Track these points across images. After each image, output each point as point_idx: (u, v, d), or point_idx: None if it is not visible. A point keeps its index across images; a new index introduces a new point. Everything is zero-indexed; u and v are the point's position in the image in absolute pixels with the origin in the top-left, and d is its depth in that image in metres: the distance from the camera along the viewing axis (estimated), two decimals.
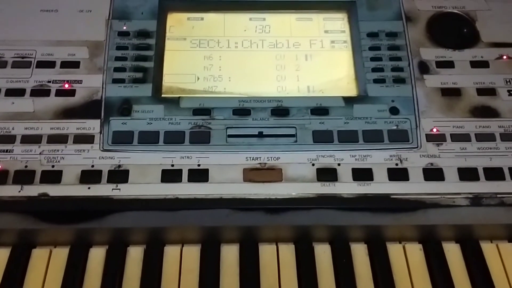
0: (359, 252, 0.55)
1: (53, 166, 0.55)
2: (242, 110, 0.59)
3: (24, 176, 0.54)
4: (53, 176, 0.54)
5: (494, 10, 0.66)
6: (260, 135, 0.57)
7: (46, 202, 0.53)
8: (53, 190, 0.54)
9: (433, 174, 0.55)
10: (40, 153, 0.55)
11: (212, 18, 0.67)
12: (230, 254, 0.54)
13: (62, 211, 0.53)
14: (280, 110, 0.59)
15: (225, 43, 0.65)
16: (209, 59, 0.64)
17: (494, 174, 0.55)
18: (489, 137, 0.57)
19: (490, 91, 0.60)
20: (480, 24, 0.65)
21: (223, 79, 0.63)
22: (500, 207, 0.54)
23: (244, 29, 0.66)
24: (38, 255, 0.54)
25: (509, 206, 0.54)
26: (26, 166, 0.55)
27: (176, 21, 0.66)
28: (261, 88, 0.62)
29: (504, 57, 0.62)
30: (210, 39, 0.65)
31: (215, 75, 0.63)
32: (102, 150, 0.56)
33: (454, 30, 0.64)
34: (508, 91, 0.60)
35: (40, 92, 0.59)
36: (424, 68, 0.61)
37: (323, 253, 0.55)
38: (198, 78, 0.63)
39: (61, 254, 0.54)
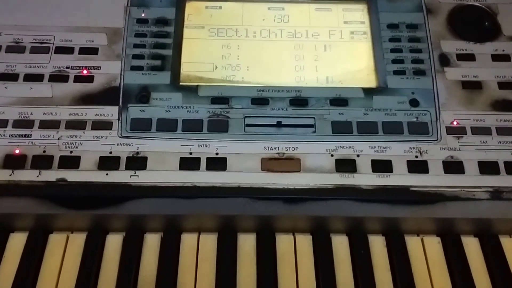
0: (377, 244, 0.54)
1: (71, 152, 0.55)
2: (260, 99, 0.58)
3: (42, 161, 0.54)
4: (71, 162, 0.54)
5: None
6: (279, 124, 0.57)
7: (64, 188, 0.53)
8: (71, 176, 0.53)
9: (453, 167, 0.55)
10: (58, 139, 0.55)
11: (231, 7, 0.66)
12: (247, 243, 0.54)
13: (79, 197, 0.53)
14: (299, 100, 0.58)
15: (243, 32, 0.64)
16: (227, 48, 0.63)
17: None
18: (510, 131, 0.57)
19: (511, 85, 0.60)
20: (502, 17, 0.64)
21: (241, 68, 0.62)
22: None
23: (263, 19, 0.65)
24: (55, 240, 0.54)
25: None
26: (44, 151, 0.55)
27: (194, 9, 0.66)
28: (280, 78, 0.61)
29: None
30: (228, 28, 0.65)
31: (233, 64, 0.62)
32: (120, 137, 0.56)
33: (475, 23, 0.63)
34: None
35: (58, 77, 0.58)
36: (444, 60, 0.61)
37: (340, 244, 0.54)
38: (216, 67, 0.62)
39: (78, 240, 0.54)
